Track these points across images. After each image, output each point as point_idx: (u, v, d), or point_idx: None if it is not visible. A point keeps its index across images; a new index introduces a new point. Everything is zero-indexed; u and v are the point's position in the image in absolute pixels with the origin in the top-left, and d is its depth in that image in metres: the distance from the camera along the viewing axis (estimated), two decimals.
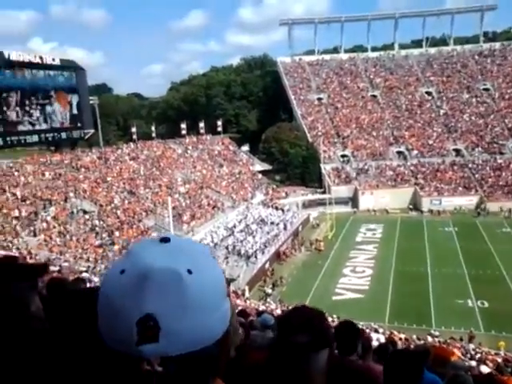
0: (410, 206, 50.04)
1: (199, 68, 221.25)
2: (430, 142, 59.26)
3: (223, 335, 0.75)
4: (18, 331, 0.77)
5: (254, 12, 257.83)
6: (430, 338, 19.24)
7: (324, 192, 52.18)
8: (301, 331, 1.20)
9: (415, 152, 58.05)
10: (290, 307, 1.41)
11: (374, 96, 68.98)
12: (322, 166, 55.59)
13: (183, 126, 57.89)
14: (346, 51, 79.71)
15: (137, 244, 0.79)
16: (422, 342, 17.03)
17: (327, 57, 77.31)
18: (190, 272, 0.71)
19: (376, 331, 18.21)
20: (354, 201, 52.22)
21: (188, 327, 0.70)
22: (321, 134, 61.14)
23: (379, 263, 33.87)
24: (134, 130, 54.20)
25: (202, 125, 60.32)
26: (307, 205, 51.36)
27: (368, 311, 25.71)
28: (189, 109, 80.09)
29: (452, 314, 24.65)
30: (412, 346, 11.87)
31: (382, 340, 12.31)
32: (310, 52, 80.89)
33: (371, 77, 72.13)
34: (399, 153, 58.86)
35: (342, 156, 59.23)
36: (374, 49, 79.54)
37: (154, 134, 55.66)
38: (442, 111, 64.54)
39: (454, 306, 25.72)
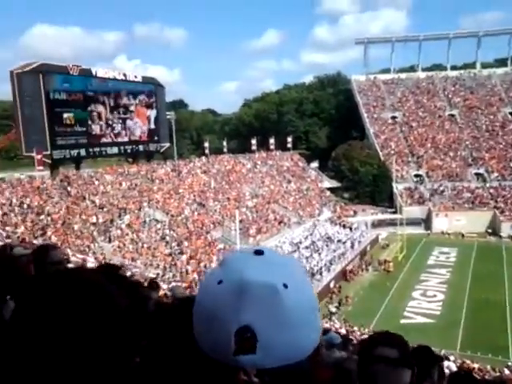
0: (489, 231, 47.04)
1: (272, 85, 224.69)
2: None
3: (314, 350, 0.74)
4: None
5: (329, 31, 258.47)
6: (507, 371, 17.78)
7: (395, 212, 50.52)
8: (388, 346, 1.20)
9: (495, 174, 54.70)
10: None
11: (452, 115, 66.21)
12: (394, 185, 53.94)
13: (254, 141, 58.81)
14: (424, 70, 77.37)
15: (231, 255, 0.80)
16: (498, 374, 15.78)
17: (403, 75, 75.54)
18: (285, 286, 0.71)
19: (447, 358, 17.15)
20: (426, 222, 50.06)
21: (283, 341, 0.70)
22: (394, 153, 59.50)
23: (452, 288, 32.04)
24: (206, 144, 55.89)
25: (272, 141, 60.94)
26: (376, 224, 49.93)
27: (438, 337, 24.28)
28: (260, 125, 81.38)
29: None
30: (488, 378, 11.03)
31: (454, 368, 11.56)
32: (386, 70, 79.52)
33: (450, 96, 69.39)
34: (478, 174, 55.74)
35: (416, 176, 57.17)
36: (454, 67, 76.55)
37: (225, 149, 57.04)
38: None
39: None
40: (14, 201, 28.95)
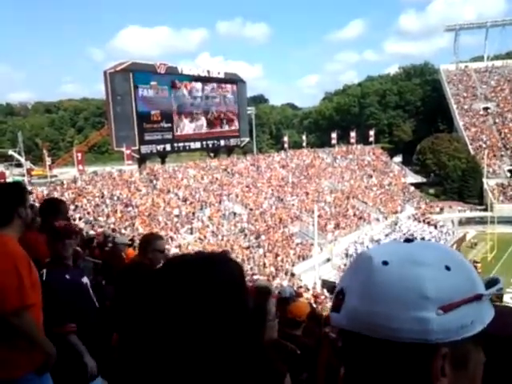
0: None
1: (355, 78, 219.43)
2: None
3: (413, 347, 0.69)
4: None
5: (416, 19, 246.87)
6: None
7: (485, 209, 47.24)
8: None
9: None
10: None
11: None
12: (484, 180, 50.55)
13: (334, 135, 57.96)
14: None
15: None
16: None
17: (498, 63, 70.18)
18: (385, 263, 0.72)
19: None
20: None
21: (366, 310, 0.71)
22: (485, 147, 55.70)
23: None
24: (285, 139, 56.10)
25: (353, 134, 59.64)
26: (464, 222, 47.11)
27: None
28: (341, 118, 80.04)
29: None
30: None
31: None
32: (478, 58, 74.44)
33: None
34: None
35: (510, 171, 53.07)
36: None
37: (304, 143, 56.84)
38: None
39: None
40: (106, 193, 31.15)
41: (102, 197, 30.63)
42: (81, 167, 35.52)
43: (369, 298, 0.71)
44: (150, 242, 3.72)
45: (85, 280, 3.43)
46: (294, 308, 3.71)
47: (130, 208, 30.39)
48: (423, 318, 0.68)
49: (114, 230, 24.43)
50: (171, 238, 28.82)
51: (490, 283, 0.75)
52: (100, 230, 21.39)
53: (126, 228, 27.07)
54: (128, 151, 36.37)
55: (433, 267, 0.71)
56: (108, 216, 28.30)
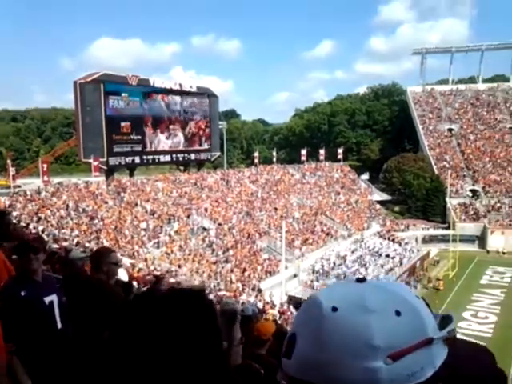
0: None
1: (325, 96, 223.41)
2: None
3: None
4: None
5: (385, 41, 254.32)
6: None
7: (448, 228, 48.64)
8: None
9: None
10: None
11: None
12: (447, 200, 52.11)
13: (303, 152, 58.69)
14: (485, 81, 74.48)
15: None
16: None
17: (462, 87, 73.06)
18: (334, 309, 0.71)
19: None
20: (481, 240, 47.92)
21: (316, 358, 0.70)
22: (449, 167, 57.56)
23: (506, 310, 30.38)
24: (256, 154, 56.39)
25: (322, 152, 60.57)
26: (428, 240, 48.34)
27: None
28: (310, 135, 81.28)
29: None
30: None
31: None
32: (443, 81, 77.40)
33: (511, 108, 66.36)
34: None
35: (471, 191, 54.92)
36: None
37: (274, 159, 57.30)
38: None
39: None
40: (71, 205, 30.44)
41: (67, 209, 29.92)
42: (46, 178, 34.64)
43: (319, 345, 0.70)
44: (104, 255, 3.67)
45: (50, 298, 3.32)
46: (260, 326, 3.75)
47: (95, 221, 29.79)
48: (372, 367, 0.67)
49: (77, 244, 23.88)
50: (137, 252, 28.38)
51: (443, 322, 0.75)
52: (65, 243, 20.87)
53: (90, 241, 26.46)
54: (96, 163, 35.76)
55: (382, 314, 0.69)
56: (72, 229, 27.64)
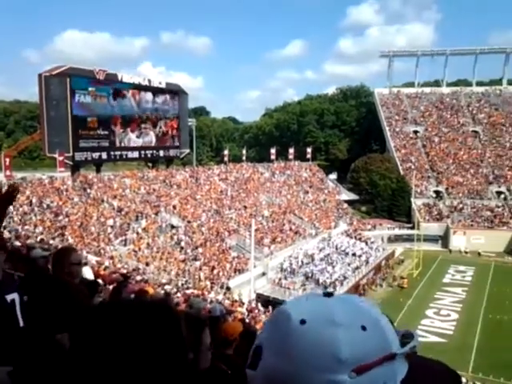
0: (507, 251, 46.26)
1: (294, 95, 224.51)
2: None
3: None
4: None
5: (354, 43, 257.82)
6: None
7: (412, 227, 49.94)
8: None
9: None
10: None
11: (476, 132, 65.39)
12: (412, 200, 53.43)
13: (273, 151, 58.98)
14: (449, 85, 76.73)
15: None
16: None
17: (427, 90, 75.04)
18: (303, 322, 0.71)
19: None
20: (444, 239, 49.40)
21: (283, 370, 0.70)
22: (414, 168, 59.02)
23: (467, 308, 31.53)
24: (226, 152, 56.28)
25: (291, 151, 60.99)
26: (393, 239, 49.46)
27: (450, 358, 23.74)
28: (280, 134, 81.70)
29: None
30: None
31: None
32: (410, 84, 79.15)
33: (474, 112, 68.66)
34: (499, 193, 54.83)
35: (435, 192, 56.51)
36: (480, 83, 75.72)
37: (244, 157, 57.33)
38: None
39: None
40: (34, 200, 29.60)
41: (30, 205, 29.09)
42: (8, 173, 33.51)
43: (286, 358, 0.70)
44: (65, 255, 3.58)
45: (11, 296, 3.25)
46: (227, 327, 3.76)
47: (60, 217, 29.08)
48: (337, 381, 0.68)
49: (41, 241, 23.25)
50: (104, 250, 27.87)
51: (404, 338, 0.76)
52: (28, 240, 20.28)
53: (54, 238, 25.82)
54: (61, 158, 34.86)
55: (349, 328, 0.70)
56: (36, 225, 26.91)
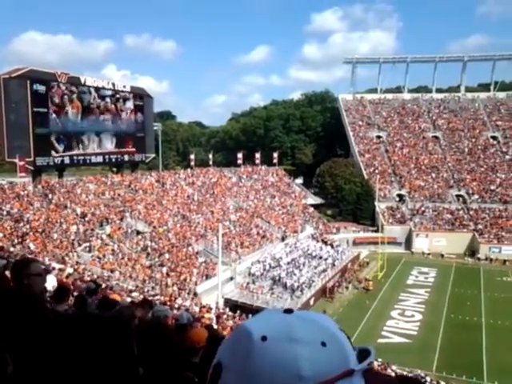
0: (467, 252, 47.91)
1: (260, 100, 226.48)
2: (493, 187, 56.77)
3: None
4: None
5: (318, 49, 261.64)
6: None
7: (376, 231, 50.99)
8: None
9: (476, 196, 55.74)
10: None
11: (436, 137, 67.56)
12: (376, 203, 54.58)
13: (240, 155, 59.08)
14: (410, 91, 78.98)
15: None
16: None
17: (389, 96, 76.95)
18: (264, 339, 0.71)
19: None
20: (407, 242, 50.67)
21: None
22: (377, 172, 60.31)
23: (430, 309, 32.45)
24: (192, 156, 55.97)
25: (258, 155, 61.31)
26: (358, 242, 50.34)
27: (415, 358, 24.62)
28: (246, 139, 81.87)
29: (507, 370, 22.92)
30: None
31: None
32: (373, 90, 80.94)
33: (434, 118, 70.84)
34: (459, 196, 56.76)
35: (398, 195, 57.95)
36: (439, 90, 78.28)
37: (211, 162, 57.17)
38: (507, 157, 61.93)
39: (509, 361, 23.89)
40: None
41: None
42: None
43: (246, 376, 0.70)
44: (25, 266, 3.49)
45: None
46: (192, 335, 3.76)
47: (21, 224, 28.17)
48: None
49: (1, 248, 22.45)
50: (67, 256, 27.18)
51: (362, 354, 0.76)
52: None
53: (15, 246, 25.02)
54: (22, 162, 33.75)
55: (309, 344, 0.71)
56: None
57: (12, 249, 23.63)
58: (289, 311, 0.78)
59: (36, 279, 3.42)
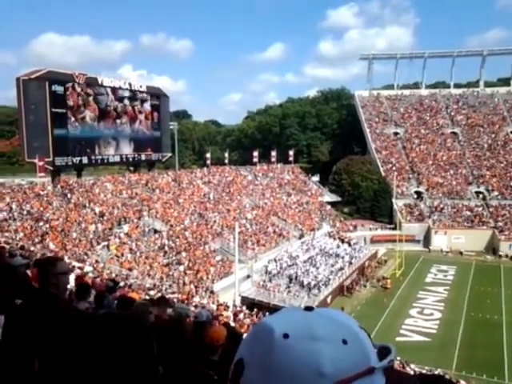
0: (488, 250, 47.18)
1: (276, 98, 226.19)
2: None
3: None
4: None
5: (334, 45, 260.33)
6: None
7: (394, 228, 50.48)
8: None
9: (496, 193, 54.78)
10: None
11: (454, 133, 66.52)
12: (393, 201, 54.04)
13: (255, 153, 59.11)
14: (427, 87, 77.89)
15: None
16: None
17: (407, 92, 76.02)
18: (286, 336, 0.72)
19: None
20: (425, 239, 50.07)
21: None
22: (395, 169, 59.71)
23: (449, 307, 32.00)
24: (208, 155, 56.21)
25: (273, 153, 61.25)
26: (375, 240, 49.92)
27: (434, 356, 24.32)
28: (262, 137, 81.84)
29: None
30: None
31: None
32: (389, 87, 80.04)
33: (452, 113, 69.78)
34: (478, 193, 55.84)
35: (416, 192, 57.28)
36: (457, 85, 76.99)
37: (226, 160, 57.32)
38: None
39: None
40: (14, 206, 29.11)
41: (10, 211, 28.59)
42: None
43: (268, 372, 0.70)
44: (51, 265, 3.51)
45: None
46: (212, 333, 3.75)
47: (41, 223, 28.64)
48: None
49: (22, 247, 22.83)
50: (86, 255, 27.53)
51: (383, 353, 0.77)
52: (7, 246, 19.88)
53: (35, 245, 25.43)
54: (41, 163, 34.29)
55: (330, 342, 0.71)
56: (16, 231, 26.45)
57: (32, 248, 24.03)
58: (309, 309, 0.79)
59: (62, 278, 3.44)
